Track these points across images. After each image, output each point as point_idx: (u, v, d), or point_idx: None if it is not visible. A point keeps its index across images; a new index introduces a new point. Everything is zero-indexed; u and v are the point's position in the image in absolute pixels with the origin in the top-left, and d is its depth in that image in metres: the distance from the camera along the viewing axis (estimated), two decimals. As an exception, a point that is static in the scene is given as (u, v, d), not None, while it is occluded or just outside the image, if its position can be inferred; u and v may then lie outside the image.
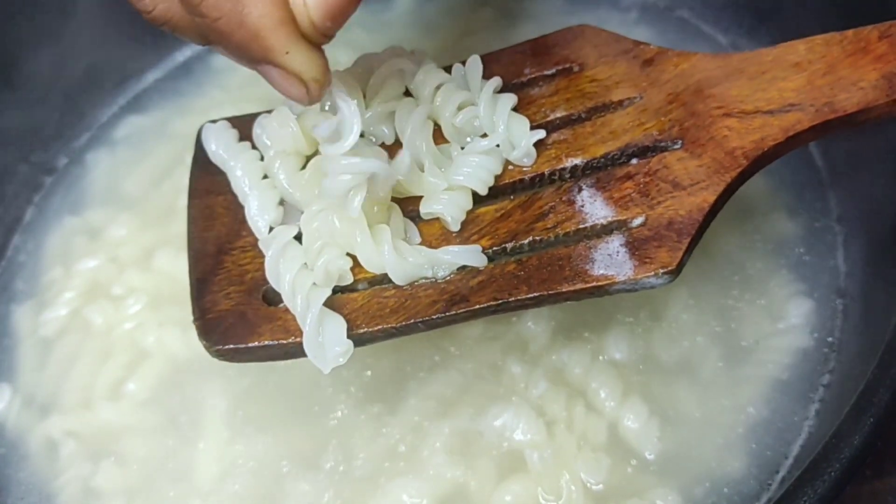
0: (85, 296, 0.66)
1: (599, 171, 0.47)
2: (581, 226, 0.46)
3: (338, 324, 0.45)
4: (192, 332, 0.60)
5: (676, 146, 0.46)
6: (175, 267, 0.65)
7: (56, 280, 0.68)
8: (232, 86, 0.79)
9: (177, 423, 0.58)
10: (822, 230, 0.59)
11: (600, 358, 0.55)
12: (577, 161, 0.48)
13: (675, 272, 0.43)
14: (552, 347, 0.56)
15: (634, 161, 0.47)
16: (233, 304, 0.48)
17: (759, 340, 0.55)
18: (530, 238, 0.46)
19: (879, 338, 0.44)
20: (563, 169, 0.48)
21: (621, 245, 0.44)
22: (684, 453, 0.51)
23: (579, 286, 0.44)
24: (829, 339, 0.54)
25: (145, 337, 0.62)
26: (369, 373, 0.57)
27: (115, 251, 0.68)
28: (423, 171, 0.48)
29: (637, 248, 0.44)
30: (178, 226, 0.68)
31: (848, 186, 0.59)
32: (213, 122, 0.55)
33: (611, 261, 0.44)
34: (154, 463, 0.57)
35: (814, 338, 0.54)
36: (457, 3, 0.78)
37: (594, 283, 0.44)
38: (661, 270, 0.43)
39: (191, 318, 0.61)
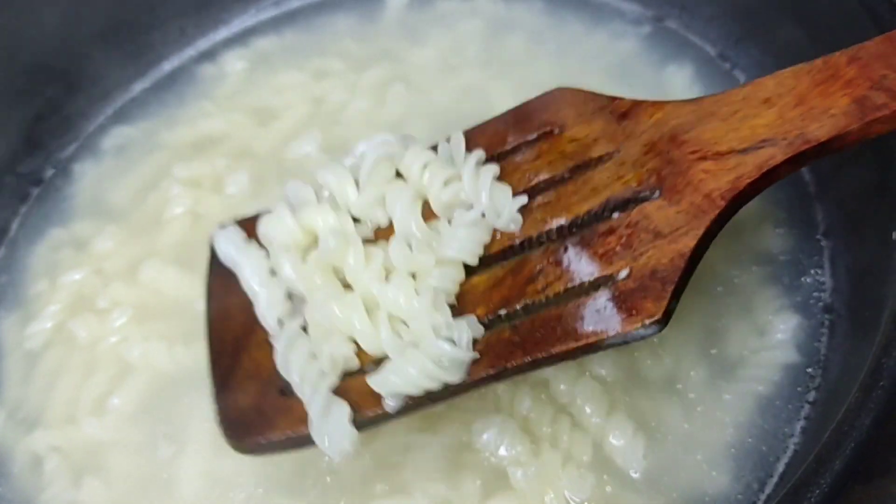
0: (70, 309, 0.66)
1: (584, 229, 0.48)
2: (569, 285, 0.46)
3: (342, 412, 0.46)
4: (177, 347, 0.61)
5: (655, 196, 0.46)
6: (160, 280, 0.65)
7: (41, 293, 0.68)
8: (219, 96, 0.78)
9: (161, 438, 0.58)
10: (808, 245, 0.58)
11: (585, 374, 0.55)
12: (562, 221, 0.48)
13: (663, 321, 0.43)
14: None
15: (616, 214, 0.47)
16: (251, 400, 0.50)
17: (745, 356, 0.54)
18: (523, 302, 0.47)
19: (865, 355, 0.44)
20: (550, 231, 0.48)
21: (608, 300, 0.45)
22: (669, 471, 0.51)
23: (571, 345, 0.44)
24: (816, 355, 0.54)
25: (130, 351, 0.62)
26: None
27: (101, 264, 0.68)
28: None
29: (624, 301, 0.44)
30: (164, 238, 0.68)
31: (835, 201, 0.59)
32: (223, 227, 0.56)
33: (599, 317, 0.44)
34: (138, 478, 0.57)
35: (800, 354, 0.54)
36: (446, 13, 0.78)
37: (585, 342, 0.44)
38: (648, 321, 0.43)
39: (175, 331, 0.62)
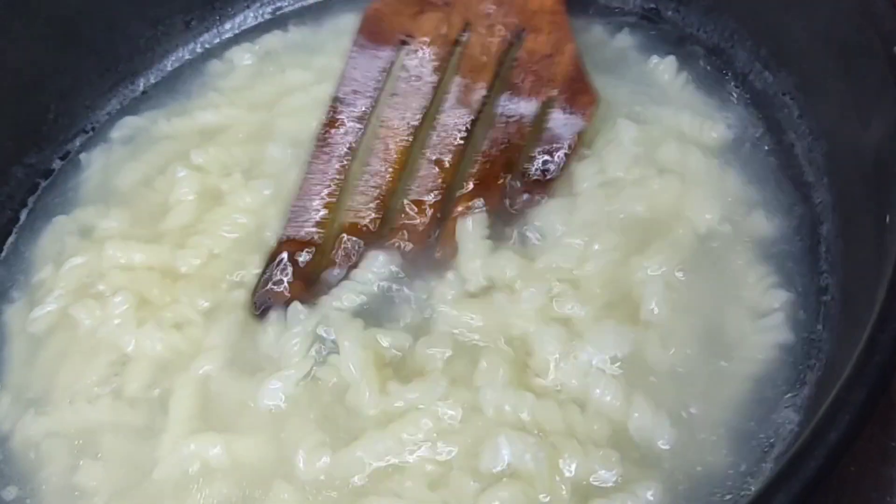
0: (73, 294, 0.66)
1: (506, 90, 0.63)
2: (530, 123, 0.63)
3: None
4: (177, 332, 0.62)
5: (525, 35, 0.63)
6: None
7: (46, 278, 0.69)
8: (226, 89, 0.79)
9: (160, 423, 0.58)
10: (803, 229, 0.59)
11: (586, 358, 0.55)
12: (484, 92, 0.63)
13: (597, 100, 0.63)
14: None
15: (514, 63, 0.62)
16: None
17: (741, 337, 0.55)
18: (514, 161, 0.62)
19: (859, 335, 0.45)
20: (481, 101, 0.63)
21: (563, 113, 0.63)
22: (669, 449, 0.51)
23: (570, 151, 0.63)
24: (811, 335, 0.54)
25: (131, 336, 0.62)
26: (354, 394, 0.56)
27: (105, 250, 0.68)
28: None
29: (572, 105, 0.63)
30: (167, 224, 0.69)
31: (830, 185, 0.59)
32: None
33: (567, 125, 0.62)
34: (136, 462, 0.57)
35: (795, 335, 0.55)
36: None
37: (576, 145, 0.63)
38: (592, 107, 0.62)
39: (176, 318, 0.62)
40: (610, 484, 0.50)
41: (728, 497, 0.50)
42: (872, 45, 0.53)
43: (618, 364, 0.55)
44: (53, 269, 0.69)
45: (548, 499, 0.50)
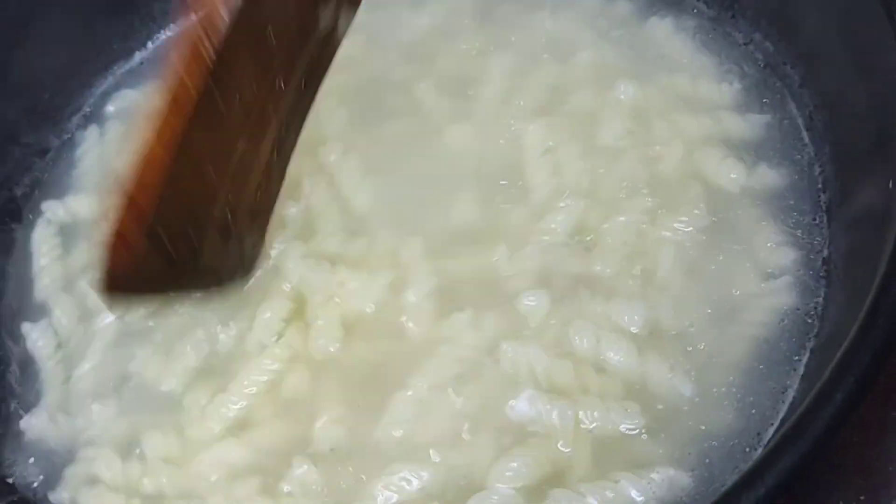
0: (69, 280, 0.66)
1: None
2: None
3: None
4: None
5: None
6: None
7: (44, 267, 0.68)
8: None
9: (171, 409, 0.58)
10: (805, 199, 0.59)
11: (598, 322, 0.55)
12: None
13: None
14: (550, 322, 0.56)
15: None
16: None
17: (747, 301, 0.55)
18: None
19: (862, 302, 0.45)
20: None
21: None
22: (673, 414, 0.52)
23: None
24: (815, 300, 0.55)
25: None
26: (367, 359, 0.57)
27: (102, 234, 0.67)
28: None
29: None
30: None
31: (832, 153, 0.60)
32: None
33: None
34: (153, 450, 0.57)
35: (800, 300, 0.55)
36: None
37: None
38: None
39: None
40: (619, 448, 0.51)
41: (732, 458, 0.50)
42: (874, 12, 0.53)
43: (633, 326, 0.55)
44: (49, 257, 0.68)
45: (569, 450, 0.51)
